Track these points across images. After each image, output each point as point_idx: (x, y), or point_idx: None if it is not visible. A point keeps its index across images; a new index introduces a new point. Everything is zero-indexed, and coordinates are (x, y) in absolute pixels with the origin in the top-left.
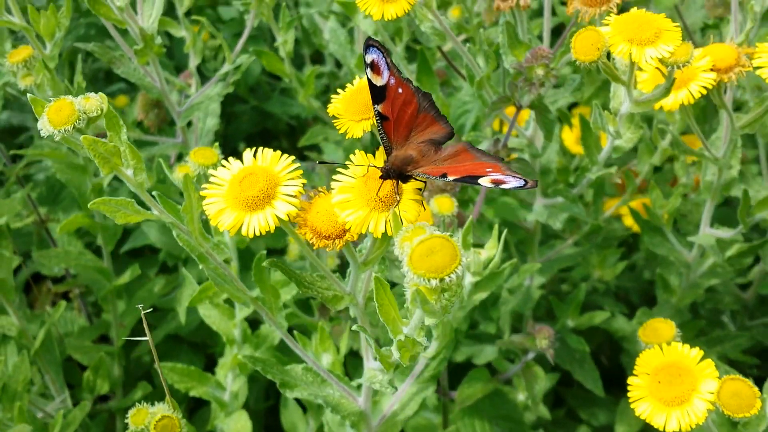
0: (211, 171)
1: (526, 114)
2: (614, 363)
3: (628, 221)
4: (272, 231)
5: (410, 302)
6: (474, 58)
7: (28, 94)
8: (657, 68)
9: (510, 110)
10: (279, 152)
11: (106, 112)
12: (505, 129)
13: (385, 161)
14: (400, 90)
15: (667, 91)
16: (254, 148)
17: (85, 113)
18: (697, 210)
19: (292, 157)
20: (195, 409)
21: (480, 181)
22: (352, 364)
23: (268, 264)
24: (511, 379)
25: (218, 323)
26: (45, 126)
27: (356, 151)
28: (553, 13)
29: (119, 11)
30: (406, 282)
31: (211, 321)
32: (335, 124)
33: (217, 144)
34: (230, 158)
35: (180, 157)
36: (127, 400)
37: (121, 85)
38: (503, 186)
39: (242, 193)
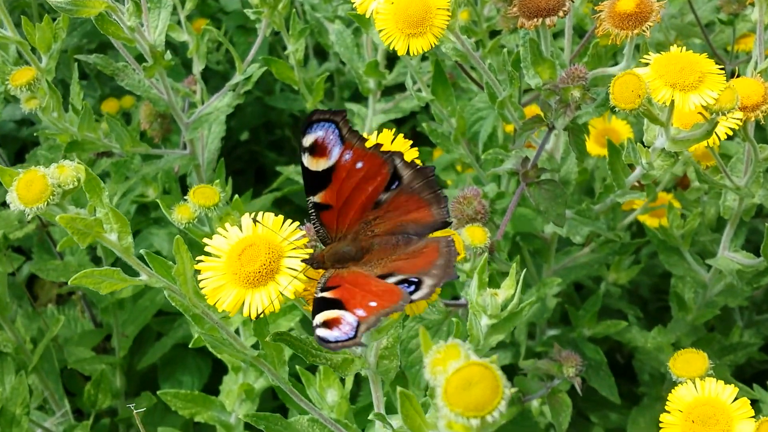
0: (206, 240)
1: None
2: (629, 361)
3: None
4: (277, 311)
5: None
6: (485, 62)
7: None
8: (700, 113)
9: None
10: (281, 218)
11: (84, 181)
12: (510, 129)
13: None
14: (359, 164)
15: (708, 134)
16: (253, 213)
17: (59, 186)
18: (709, 211)
19: (296, 223)
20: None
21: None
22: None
23: (272, 338)
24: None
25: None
26: (14, 202)
27: None
28: None
29: (130, 31)
30: (440, 415)
31: (217, 350)
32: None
33: (218, 182)
34: (227, 225)
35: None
36: (129, 410)
37: None
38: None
39: (242, 269)
